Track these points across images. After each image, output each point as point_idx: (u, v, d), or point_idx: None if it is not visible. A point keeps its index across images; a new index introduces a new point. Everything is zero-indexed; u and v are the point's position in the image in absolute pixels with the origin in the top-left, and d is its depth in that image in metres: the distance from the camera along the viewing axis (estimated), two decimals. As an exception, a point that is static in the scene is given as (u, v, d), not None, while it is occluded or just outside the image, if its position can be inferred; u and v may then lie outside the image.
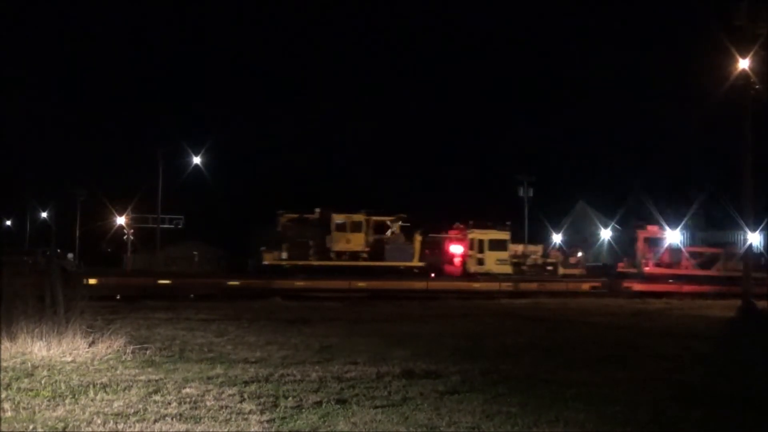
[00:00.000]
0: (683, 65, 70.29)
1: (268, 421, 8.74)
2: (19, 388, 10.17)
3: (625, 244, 45.08)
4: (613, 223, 58.26)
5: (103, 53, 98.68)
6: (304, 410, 9.29)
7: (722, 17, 28.55)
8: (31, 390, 10.09)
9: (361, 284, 35.49)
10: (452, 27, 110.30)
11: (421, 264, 39.32)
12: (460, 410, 9.44)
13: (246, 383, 10.86)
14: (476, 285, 38.03)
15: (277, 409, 9.29)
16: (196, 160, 55.08)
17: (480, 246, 40.57)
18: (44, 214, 72.61)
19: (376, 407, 9.49)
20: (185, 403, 9.52)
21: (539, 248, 44.30)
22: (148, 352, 13.64)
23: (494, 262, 40.43)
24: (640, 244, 41.39)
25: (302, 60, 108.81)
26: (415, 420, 8.92)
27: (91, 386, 10.30)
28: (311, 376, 11.57)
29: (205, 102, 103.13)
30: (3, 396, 9.66)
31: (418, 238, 39.48)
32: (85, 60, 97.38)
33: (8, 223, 75.41)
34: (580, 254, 45.04)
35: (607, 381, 11.59)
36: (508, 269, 40.55)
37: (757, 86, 27.70)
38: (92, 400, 9.57)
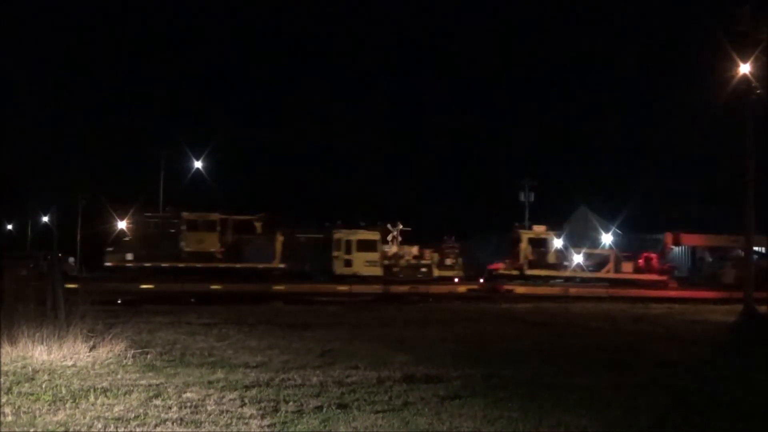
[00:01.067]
0: (686, 70, 70.39)
1: (268, 426, 8.74)
2: (19, 393, 10.17)
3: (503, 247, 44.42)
4: (614, 228, 58.22)
5: (104, 55, 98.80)
6: (304, 415, 9.28)
7: (724, 22, 28.54)
8: (32, 394, 10.08)
9: (216, 287, 33.57)
10: (452, 31, 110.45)
11: (282, 266, 37.60)
12: (461, 415, 9.43)
13: (247, 388, 10.85)
14: (342, 288, 36.20)
15: (278, 414, 9.29)
16: (198, 164, 55.11)
17: (348, 247, 38.77)
18: (45, 218, 72.59)
19: (376, 412, 9.48)
20: (186, 407, 9.52)
21: (414, 249, 41.83)
22: (148, 356, 13.63)
23: (363, 263, 38.66)
24: (522, 245, 40.44)
25: (302, 65, 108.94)
26: (415, 425, 8.91)
27: (91, 390, 10.29)
28: (312, 380, 11.55)
29: (208, 105, 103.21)
30: (3, 400, 9.66)
31: (279, 238, 37.77)
32: (87, 62, 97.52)
33: (9, 227, 75.42)
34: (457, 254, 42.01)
35: (609, 386, 11.57)
36: (377, 271, 38.89)
37: (758, 91, 27.67)
38: (93, 405, 9.56)
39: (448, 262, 41.53)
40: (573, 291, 38.32)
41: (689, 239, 43.48)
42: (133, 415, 9.10)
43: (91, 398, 9.88)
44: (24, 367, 12.02)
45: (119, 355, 13.36)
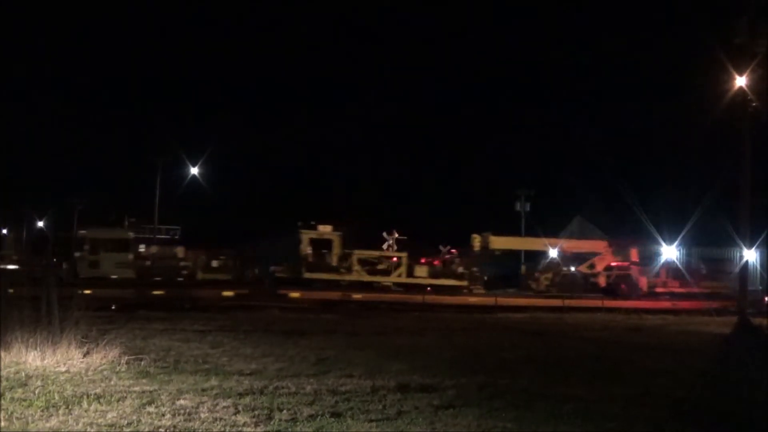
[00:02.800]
0: (683, 81, 70.45)
1: (262, 434, 8.71)
2: (12, 398, 10.12)
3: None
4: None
5: (100, 61, 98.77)
6: (298, 423, 9.26)
7: (722, 35, 28.67)
8: (25, 400, 10.04)
9: None
10: (449, 36, 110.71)
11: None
12: (455, 424, 9.42)
13: (241, 395, 10.82)
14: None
15: (272, 422, 9.26)
16: (194, 170, 55.08)
17: (94, 247, 36.10)
18: (41, 224, 72.47)
19: (370, 421, 9.46)
20: (179, 414, 9.49)
21: (180, 250, 39.68)
22: (142, 362, 13.59)
23: (112, 265, 35.99)
24: (303, 247, 37.50)
25: (298, 71, 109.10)
26: (410, 434, 8.89)
27: (84, 397, 10.25)
28: (306, 388, 11.53)
29: (204, 112, 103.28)
30: (-4, 406, 9.62)
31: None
32: (85, 68, 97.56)
33: (4, 231, 75.24)
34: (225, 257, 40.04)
35: (604, 396, 11.56)
36: (129, 273, 36.31)
37: (754, 103, 27.78)
38: (86, 411, 9.52)
39: (215, 264, 39.26)
40: (357, 297, 33.71)
41: (498, 242, 41.27)
42: (126, 421, 9.07)
43: (84, 404, 9.84)
44: (17, 372, 11.97)
45: (113, 361, 13.32)
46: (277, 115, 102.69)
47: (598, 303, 35.13)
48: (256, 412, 9.73)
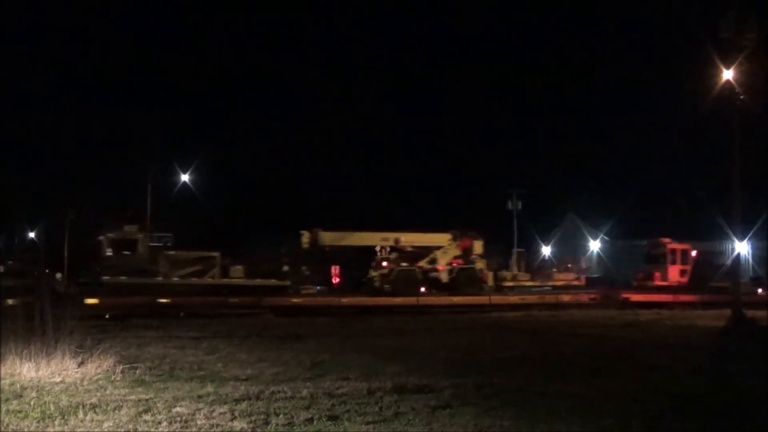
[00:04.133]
0: (672, 76, 70.68)
1: (259, 439, 8.69)
2: (8, 410, 10.08)
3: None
4: (602, 235, 58.48)
5: (91, 68, 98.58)
6: (295, 427, 9.25)
7: (709, 28, 28.77)
8: (20, 411, 10.00)
9: None
10: (441, 38, 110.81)
11: None
12: (452, 425, 9.41)
13: (237, 401, 10.79)
14: None
15: (269, 427, 9.26)
16: (185, 177, 54.92)
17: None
18: (32, 234, 72.19)
19: (367, 423, 9.45)
20: (176, 422, 9.46)
21: None
22: (137, 371, 13.55)
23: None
24: (103, 249, 34.12)
25: (288, 71, 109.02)
26: (407, 435, 8.89)
27: (80, 407, 10.22)
28: (302, 392, 11.51)
29: (195, 119, 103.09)
30: (-9, 418, 9.58)
31: None
32: (74, 75, 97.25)
33: (-4, 242, 74.94)
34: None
35: (601, 393, 11.57)
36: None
37: (742, 97, 27.88)
38: (82, 421, 9.49)
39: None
40: (163, 301, 30.83)
41: (329, 238, 38.50)
42: (122, 430, 9.05)
43: (80, 414, 9.80)
44: (12, 384, 11.93)
45: (108, 370, 13.28)
46: (265, 119, 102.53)
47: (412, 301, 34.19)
48: (253, 418, 9.71)
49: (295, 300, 34.02)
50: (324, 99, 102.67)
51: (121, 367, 13.58)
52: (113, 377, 12.82)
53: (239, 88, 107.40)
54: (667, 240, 42.20)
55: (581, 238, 59.70)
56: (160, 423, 9.41)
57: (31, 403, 10.56)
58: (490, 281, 39.39)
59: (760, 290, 38.03)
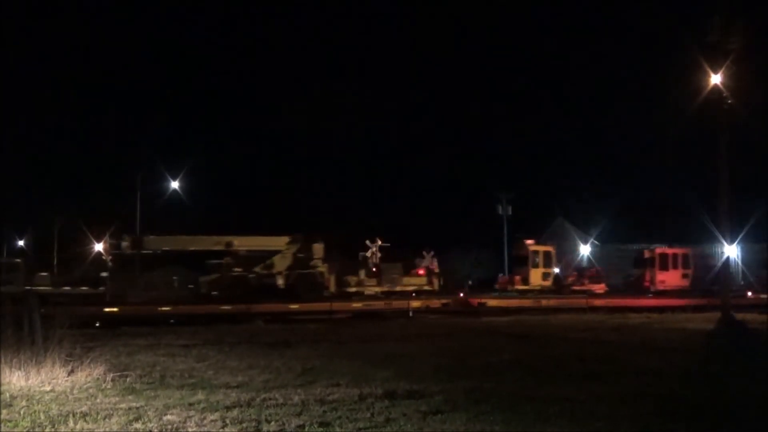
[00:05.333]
0: (661, 80, 71.03)
1: (250, 446, 8.68)
2: (-3, 419, 10.05)
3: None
4: (592, 239, 58.64)
5: (79, 74, 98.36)
6: (287, 434, 9.24)
7: (696, 33, 28.97)
8: (10, 421, 9.97)
9: None
10: (431, 42, 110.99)
11: None
12: (443, 430, 9.44)
13: (228, 408, 10.78)
14: None
15: (260, 434, 9.24)
16: (174, 184, 54.77)
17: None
18: (21, 242, 71.93)
19: (359, 429, 9.47)
20: (167, 430, 9.46)
21: None
22: (128, 379, 13.52)
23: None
24: None
25: (281, 79, 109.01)
26: (398, 441, 8.90)
27: (70, 415, 10.19)
28: (294, 399, 11.50)
29: (184, 125, 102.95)
30: (-19, 428, 9.54)
31: None
32: (62, 82, 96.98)
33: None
34: None
35: (590, 396, 11.60)
36: None
37: (729, 101, 28.07)
38: (72, 430, 9.48)
39: None
40: None
41: (155, 242, 36.36)
42: (113, 439, 9.03)
43: (71, 423, 9.78)
44: (2, 393, 11.88)
45: (98, 378, 13.25)
46: (256, 121, 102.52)
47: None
48: (244, 425, 9.70)
49: (107, 309, 29.94)
50: (314, 105, 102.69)
51: (111, 375, 13.55)
52: (103, 385, 12.79)
53: (229, 92, 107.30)
54: (530, 241, 41.56)
55: (571, 242, 59.85)
56: (151, 431, 9.40)
57: (21, 412, 10.53)
58: (332, 286, 37.38)
59: (750, 293, 38.19)
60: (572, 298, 36.95)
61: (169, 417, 10.18)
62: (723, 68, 27.99)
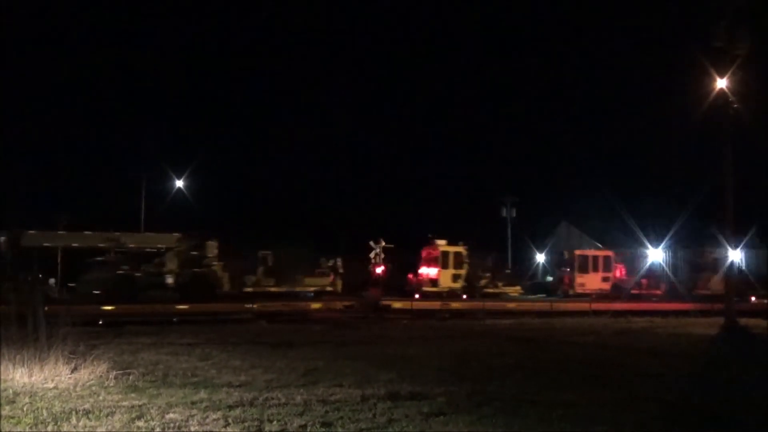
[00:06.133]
0: (667, 85, 71.03)
1: (252, 446, 8.70)
2: (0, 416, 10.07)
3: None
4: (596, 243, 58.56)
5: (83, 73, 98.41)
6: (289, 434, 9.26)
7: (702, 38, 28.97)
8: (13, 417, 10.00)
9: None
10: (437, 44, 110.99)
11: None
12: (445, 432, 9.45)
13: (230, 407, 10.80)
14: None
15: (262, 434, 9.26)
16: (179, 183, 54.92)
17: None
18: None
19: (361, 430, 9.48)
20: (169, 428, 9.48)
21: None
22: (131, 377, 13.55)
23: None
24: None
25: (285, 83, 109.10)
26: (400, 442, 8.91)
27: (73, 413, 10.22)
28: (296, 399, 11.52)
29: (189, 124, 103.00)
30: (-16, 424, 9.57)
31: None
32: (66, 81, 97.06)
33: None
34: None
35: (593, 401, 11.61)
36: None
37: (735, 105, 28.07)
38: (75, 427, 9.50)
39: None
40: None
41: (35, 238, 34.30)
42: (115, 437, 9.05)
43: (73, 420, 9.81)
44: (5, 390, 11.91)
45: (101, 376, 13.28)
46: (258, 123, 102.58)
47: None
48: (247, 424, 9.72)
49: None
50: (318, 106, 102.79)
51: (114, 373, 13.58)
52: (106, 383, 12.82)
53: (231, 93, 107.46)
54: (442, 242, 39.83)
55: (576, 246, 59.80)
56: (153, 429, 9.43)
57: (24, 408, 10.56)
58: (227, 286, 35.98)
59: (753, 298, 38.11)
60: (476, 301, 35.67)
61: (171, 415, 10.21)
62: (729, 73, 27.98)
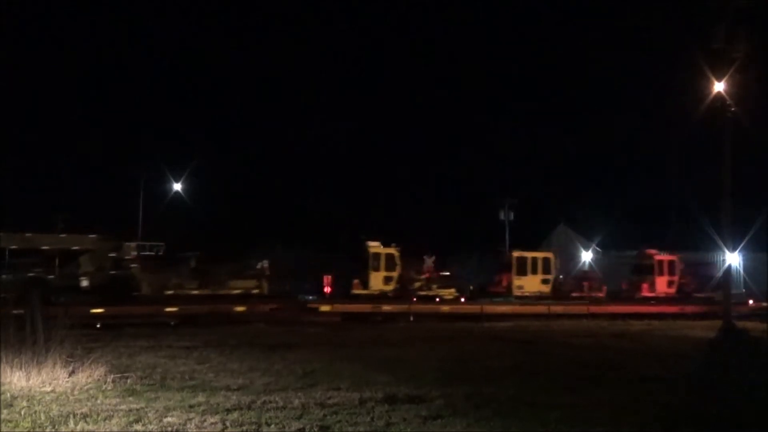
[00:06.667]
0: (665, 87, 71.02)
1: (250, 449, 8.69)
2: (-2, 420, 10.06)
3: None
4: (594, 246, 58.63)
5: (80, 75, 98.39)
6: (286, 437, 9.25)
7: (700, 40, 28.98)
8: (11, 421, 9.99)
9: None
10: (435, 48, 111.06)
11: None
12: (444, 435, 9.44)
13: (228, 411, 10.80)
14: None
15: (260, 437, 9.25)
16: (177, 186, 54.86)
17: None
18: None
19: (359, 433, 9.47)
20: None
21: None
22: (128, 380, 13.54)
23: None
24: None
25: (282, 83, 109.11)
26: (398, 445, 8.90)
27: (71, 416, 10.21)
28: (294, 402, 11.52)
29: (187, 127, 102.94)
30: (-19, 427, 9.56)
31: None
32: (64, 83, 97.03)
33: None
34: None
35: (591, 403, 11.61)
36: None
37: (733, 108, 28.08)
38: (72, 431, 9.47)
39: None
40: None
41: None
42: (113, 440, 9.04)
43: (71, 424, 9.80)
44: (2, 393, 11.90)
45: (99, 379, 13.27)
46: (261, 130, 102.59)
47: None
48: (245, 428, 9.72)
49: None
50: (315, 108, 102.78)
51: (112, 376, 13.57)
52: (104, 387, 12.81)
53: (229, 96, 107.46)
54: (374, 243, 38.51)
55: (573, 249, 59.82)
56: (151, 432, 9.41)
57: (22, 412, 10.55)
58: (146, 289, 34.44)
59: (751, 301, 38.14)
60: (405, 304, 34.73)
61: (169, 419, 10.20)
62: (727, 75, 28.00)
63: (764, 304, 35.58)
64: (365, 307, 33.73)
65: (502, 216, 59.81)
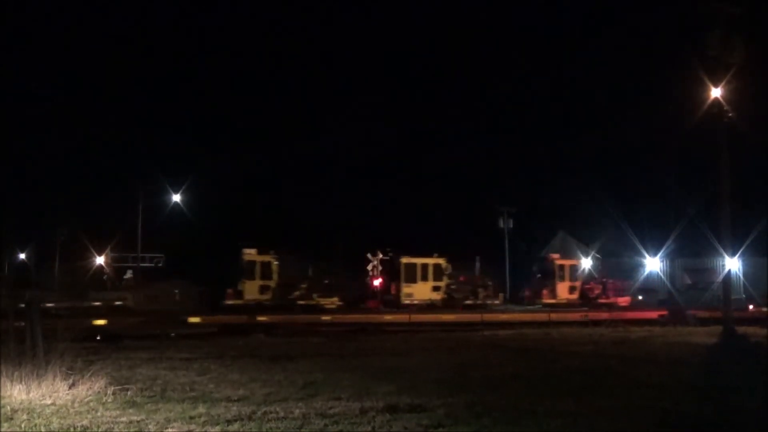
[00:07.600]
0: (662, 94, 71.01)
1: (251, 460, 8.67)
2: (-2, 433, 10.06)
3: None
4: (593, 253, 58.59)
5: (81, 88, 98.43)
6: (288, 448, 9.23)
7: (696, 47, 29.07)
8: (11, 434, 9.97)
9: None
10: (435, 53, 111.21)
11: None
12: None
13: (229, 422, 10.78)
14: None
15: (261, 448, 9.23)
16: (176, 197, 54.84)
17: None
18: (22, 255, 71.91)
19: (360, 443, 9.45)
20: (167, 443, 9.45)
21: None
22: (129, 392, 13.51)
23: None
24: None
25: (282, 92, 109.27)
26: (400, 455, 8.89)
27: (71, 429, 10.20)
28: (295, 413, 11.49)
29: (187, 138, 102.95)
30: (-18, 441, 9.54)
31: None
32: (64, 94, 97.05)
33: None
34: None
35: (593, 410, 11.59)
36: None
37: (730, 114, 28.17)
38: (73, 443, 9.46)
39: None
40: None
41: None
42: (114, 452, 9.02)
43: (71, 437, 9.78)
44: (3, 406, 11.88)
45: (99, 392, 13.24)
46: (256, 138, 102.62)
47: None
48: (245, 439, 9.70)
49: None
50: (311, 118, 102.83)
51: (112, 388, 13.54)
52: (104, 399, 12.78)
53: (228, 101, 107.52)
54: (250, 251, 37.59)
55: (573, 256, 59.82)
56: (151, 444, 9.40)
57: (22, 425, 10.53)
58: None
59: (751, 307, 38.14)
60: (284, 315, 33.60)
61: (170, 431, 10.19)
62: (724, 82, 28.09)
63: (764, 309, 35.58)
64: (242, 318, 31.72)
65: (501, 224, 59.86)
